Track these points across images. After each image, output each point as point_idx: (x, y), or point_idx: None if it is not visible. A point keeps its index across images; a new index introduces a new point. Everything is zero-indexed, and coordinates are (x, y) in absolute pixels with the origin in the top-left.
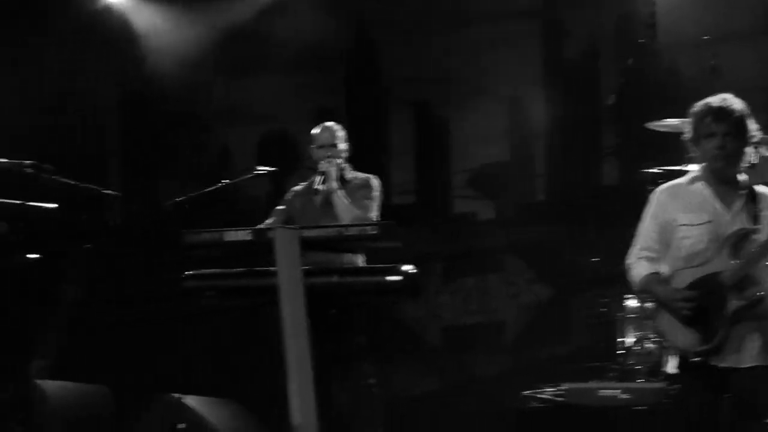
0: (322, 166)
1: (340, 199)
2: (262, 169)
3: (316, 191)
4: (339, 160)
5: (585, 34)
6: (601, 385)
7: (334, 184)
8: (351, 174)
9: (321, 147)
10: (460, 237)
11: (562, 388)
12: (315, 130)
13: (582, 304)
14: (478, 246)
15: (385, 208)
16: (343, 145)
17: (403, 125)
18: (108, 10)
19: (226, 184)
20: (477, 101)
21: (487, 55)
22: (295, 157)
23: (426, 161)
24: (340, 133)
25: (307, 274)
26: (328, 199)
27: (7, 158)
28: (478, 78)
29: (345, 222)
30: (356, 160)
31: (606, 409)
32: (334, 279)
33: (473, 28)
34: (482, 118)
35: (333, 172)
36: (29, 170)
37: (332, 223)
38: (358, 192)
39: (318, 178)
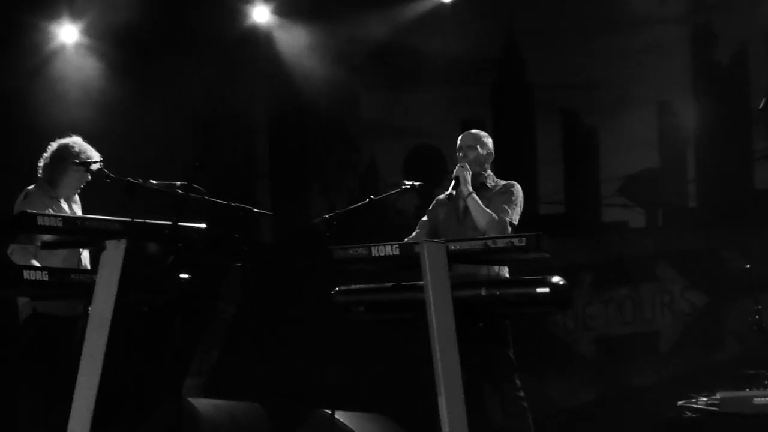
0: (456, 171)
1: (475, 202)
2: (410, 183)
3: (450, 196)
4: (484, 164)
5: (734, 37)
6: (757, 393)
7: (466, 189)
8: (493, 182)
9: (459, 150)
10: (610, 246)
11: (717, 396)
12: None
13: (736, 311)
14: (630, 254)
15: (534, 218)
16: (483, 150)
17: (551, 134)
18: (254, 31)
19: (374, 199)
20: (626, 108)
21: (636, 60)
22: (442, 171)
23: (574, 170)
24: (482, 138)
25: (455, 287)
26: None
27: (159, 179)
28: (627, 84)
29: (482, 226)
30: (504, 170)
31: (761, 418)
32: (482, 292)
33: (621, 34)
34: (631, 125)
35: (465, 177)
36: (180, 191)
37: (472, 231)
38: (498, 197)
39: (452, 183)
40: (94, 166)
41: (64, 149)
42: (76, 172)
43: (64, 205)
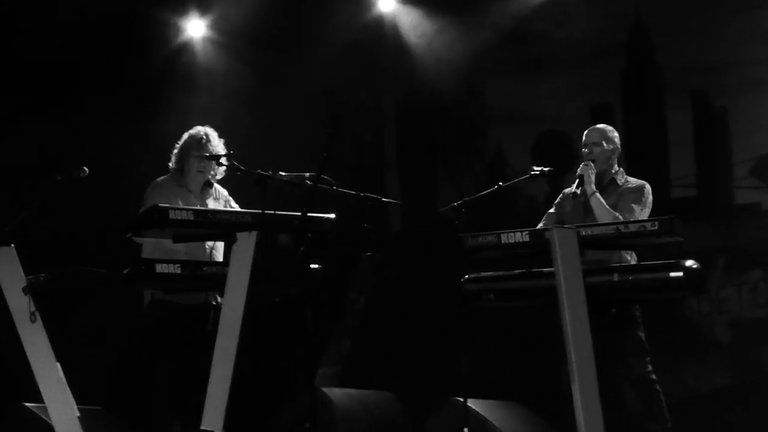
0: (580, 169)
1: (598, 201)
2: (538, 169)
3: (574, 195)
4: (610, 160)
5: None
6: None
7: (590, 188)
8: (623, 178)
9: (583, 147)
10: (743, 228)
11: None
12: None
13: None
14: (763, 237)
15: (665, 201)
16: (609, 145)
17: (681, 116)
18: (380, 20)
19: (503, 186)
20: (757, 88)
21: (766, 41)
22: (570, 157)
23: (706, 152)
24: (608, 133)
25: (587, 273)
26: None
27: (289, 171)
28: (758, 64)
29: None
30: (634, 155)
31: None
32: (615, 277)
33: (752, 14)
34: (763, 105)
35: (589, 175)
36: (310, 182)
37: None
38: (628, 196)
39: (575, 182)
40: (224, 159)
41: (190, 139)
42: (200, 163)
43: (195, 196)
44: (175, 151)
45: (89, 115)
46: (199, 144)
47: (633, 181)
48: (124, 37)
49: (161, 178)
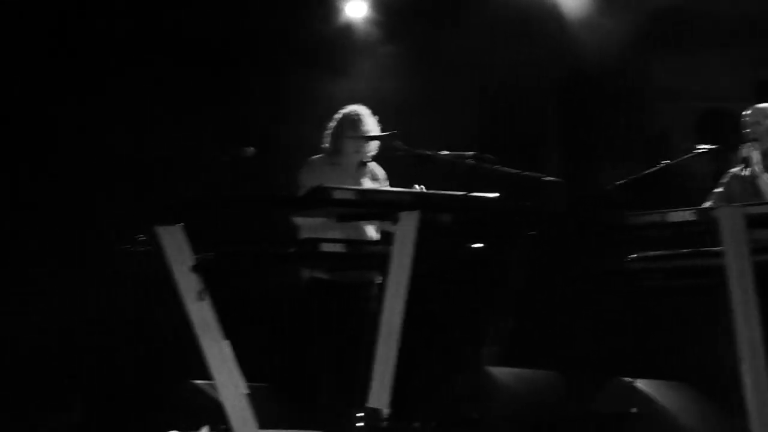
0: (743, 150)
1: (765, 183)
2: (703, 147)
3: (743, 176)
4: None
5: None
6: None
7: (757, 168)
8: None
9: (745, 126)
10: None
11: None
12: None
13: None
14: None
15: None
16: None
17: None
18: None
19: (667, 164)
20: None
21: None
22: (736, 134)
23: None
24: None
25: (755, 251)
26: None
27: (449, 150)
28: None
29: None
30: None
31: None
32: None
33: None
34: None
35: (754, 156)
36: (471, 161)
37: None
38: None
39: (741, 165)
40: (380, 139)
41: (344, 118)
42: (353, 141)
43: (349, 175)
44: (329, 131)
45: (255, 96)
46: (353, 124)
47: None
48: (286, 16)
49: (315, 157)
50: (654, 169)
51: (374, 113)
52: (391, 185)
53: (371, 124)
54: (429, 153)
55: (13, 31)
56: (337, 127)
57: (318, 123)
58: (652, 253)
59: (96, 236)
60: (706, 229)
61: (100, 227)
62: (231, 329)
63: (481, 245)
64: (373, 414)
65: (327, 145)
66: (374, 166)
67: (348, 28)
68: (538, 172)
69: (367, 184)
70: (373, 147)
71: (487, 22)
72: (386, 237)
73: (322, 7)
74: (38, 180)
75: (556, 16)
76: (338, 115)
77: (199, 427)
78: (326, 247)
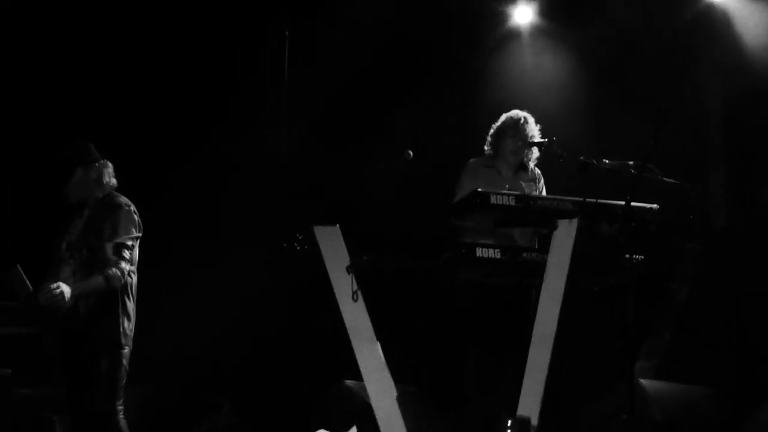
0: None
1: None
2: None
3: None
4: None
5: None
6: None
7: None
8: None
9: None
10: None
11: None
12: None
13: None
14: None
15: None
16: None
17: None
18: (709, 12)
19: None
20: None
21: None
22: None
23: None
24: None
25: None
26: None
27: (611, 159)
28: None
29: None
30: None
31: None
32: None
33: None
34: None
35: None
36: (634, 171)
37: None
38: None
39: None
40: (538, 145)
41: (508, 121)
42: (512, 144)
43: (504, 177)
44: (491, 131)
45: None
46: (516, 126)
47: None
48: (448, 25)
49: (473, 159)
50: None
51: (543, 121)
52: (553, 192)
53: (533, 129)
54: (592, 161)
55: None
56: (497, 130)
57: (473, 132)
58: None
59: (254, 236)
60: None
61: (260, 227)
62: (384, 330)
63: (642, 257)
64: (522, 423)
65: (487, 147)
66: (533, 170)
67: (515, 35)
68: (701, 184)
69: (525, 187)
70: (534, 151)
71: (653, 36)
72: (544, 243)
73: (489, 13)
74: (198, 179)
75: (725, 31)
76: (501, 118)
77: (348, 427)
78: (482, 252)
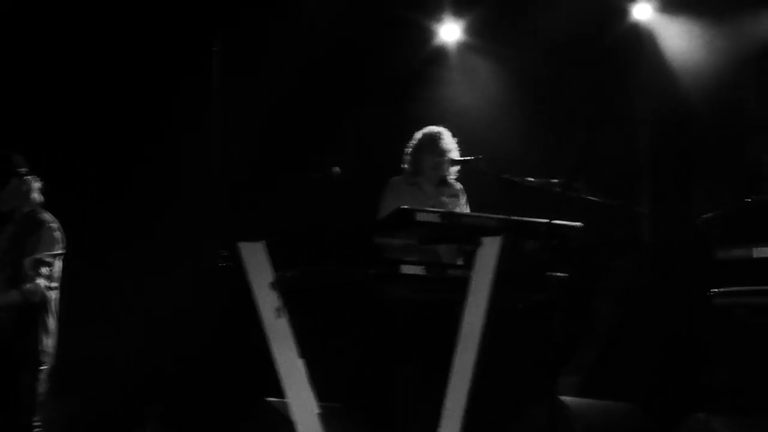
0: None
1: None
2: None
3: None
4: None
5: None
6: None
7: None
8: None
9: None
10: None
11: None
12: None
13: None
14: None
15: None
16: None
17: None
18: (635, 29)
19: (758, 198)
20: None
21: None
22: None
23: None
24: None
25: None
26: None
27: (536, 177)
28: None
29: None
30: None
31: None
32: None
33: None
34: None
35: None
36: (558, 189)
37: None
38: None
39: None
40: (462, 162)
41: (424, 138)
42: (431, 160)
43: (427, 194)
44: (409, 149)
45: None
46: (432, 141)
47: None
48: (377, 41)
49: (396, 177)
50: (742, 203)
51: (462, 137)
52: (476, 209)
53: (450, 144)
54: (515, 178)
55: None
56: (415, 147)
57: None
58: (736, 288)
59: (180, 250)
60: None
61: (186, 241)
62: (308, 347)
63: (566, 274)
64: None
65: (407, 165)
66: (454, 185)
67: (441, 52)
68: (627, 203)
69: (447, 203)
70: (453, 166)
71: (583, 52)
72: (468, 260)
73: (417, 30)
74: (125, 191)
75: (652, 48)
76: (418, 135)
77: None
78: (407, 269)
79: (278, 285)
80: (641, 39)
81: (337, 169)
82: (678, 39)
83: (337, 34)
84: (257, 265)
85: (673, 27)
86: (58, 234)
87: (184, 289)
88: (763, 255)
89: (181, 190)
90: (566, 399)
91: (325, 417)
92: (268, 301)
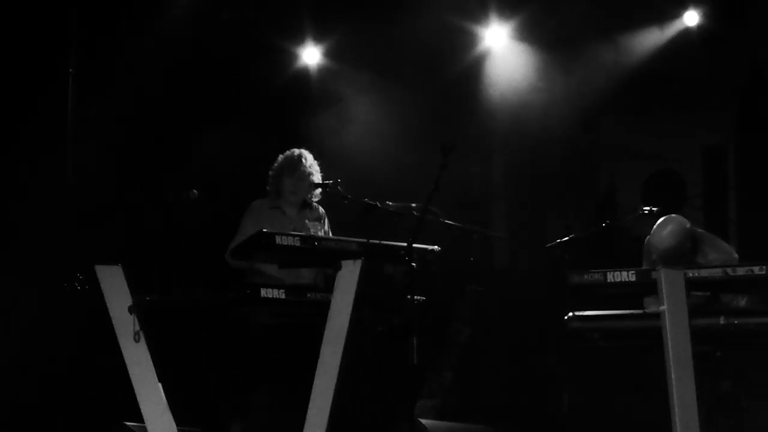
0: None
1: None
2: (648, 209)
3: None
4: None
5: None
6: None
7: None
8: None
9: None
10: None
11: None
12: None
13: None
14: None
15: None
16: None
17: None
18: (489, 54)
19: (611, 224)
20: None
21: None
22: (681, 198)
23: None
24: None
25: (692, 314)
26: None
27: (404, 200)
28: None
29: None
30: (745, 199)
31: None
32: (721, 320)
33: None
34: None
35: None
36: (416, 213)
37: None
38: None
39: None
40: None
41: (285, 161)
42: (288, 184)
43: (289, 217)
44: (271, 173)
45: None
46: (293, 165)
47: None
48: (238, 63)
49: (257, 201)
50: (597, 228)
51: (326, 161)
52: (338, 233)
53: (311, 166)
54: (375, 203)
55: None
56: (276, 170)
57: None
58: (591, 312)
59: (32, 273)
60: (646, 290)
61: (39, 264)
62: (167, 372)
63: (424, 297)
64: None
65: (269, 187)
66: (317, 209)
67: (304, 75)
68: (483, 227)
69: (310, 227)
70: (315, 189)
71: (439, 76)
72: (328, 283)
73: (279, 54)
74: None
75: (506, 74)
76: (279, 158)
77: None
78: (267, 293)
79: (137, 308)
80: (495, 65)
81: (195, 192)
82: (530, 66)
83: (197, 55)
84: (115, 288)
85: (526, 54)
86: None
87: (39, 312)
88: (616, 279)
89: (34, 211)
90: (425, 421)
91: None
92: (126, 325)
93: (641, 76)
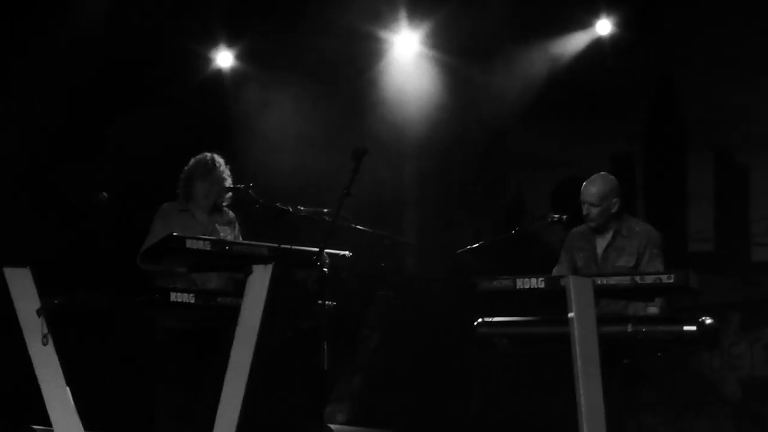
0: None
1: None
2: (556, 216)
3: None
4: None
5: None
6: None
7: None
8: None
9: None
10: (759, 286)
11: None
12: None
13: None
14: None
15: (682, 254)
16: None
17: (702, 170)
18: (399, 61)
19: (520, 231)
20: None
21: None
22: None
23: (725, 207)
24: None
25: (601, 322)
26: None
27: (309, 206)
28: None
29: None
30: (652, 205)
31: None
32: (628, 328)
33: None
34: None
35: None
36: (328, 218)
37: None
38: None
39: None
40: (232, 190)
41: (196, 164)
42: (203, 187)
43: (199, 221)
44: (182, 176)
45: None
46: (204, 169)
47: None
48: (155, 67)
49: (167, 203)
50: (506, 235)
51: (238, 165)
52: (249, 238)
53: (223, 171)
54: (286, 207)
55: None
56: (187, 174)
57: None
58: (499, 318)
59: None
60: (555, 296)
61: None
62: (75, 374)
63: (334, 302)
64: None
65: (179, 191)
66: (228, 213)
67: (218, 79)
68: (393, 233)
69: (220, 231)
70: (227, 193)
71: (351, 86)
72: (239, 288)
73: (193, 57)
74: None
75: (418, 82)
76: (190, 161)
77: None
78: (176, 297)
79: (45, 311)
80: (405, 71)
81: (104, 194)
82: (440, 75)
83: (110, 55)
84: (23, 290)
85: (435, 64)
86: None
87: None
88: (525, 286)
89: None
90: (333, 426)
91: None
92: (34, 328)
93: (551, 84)
